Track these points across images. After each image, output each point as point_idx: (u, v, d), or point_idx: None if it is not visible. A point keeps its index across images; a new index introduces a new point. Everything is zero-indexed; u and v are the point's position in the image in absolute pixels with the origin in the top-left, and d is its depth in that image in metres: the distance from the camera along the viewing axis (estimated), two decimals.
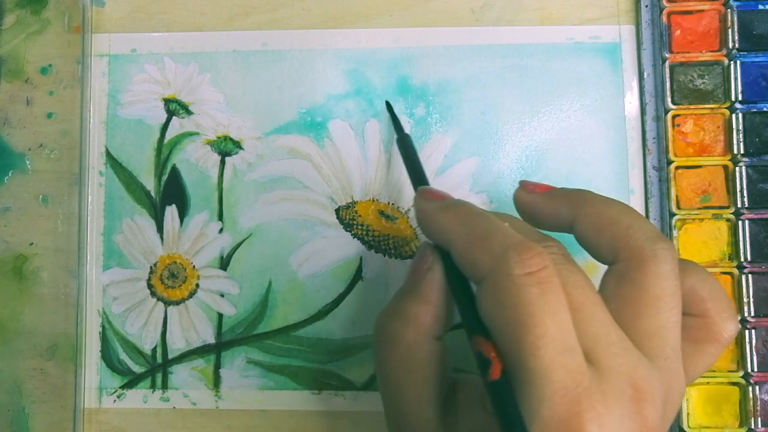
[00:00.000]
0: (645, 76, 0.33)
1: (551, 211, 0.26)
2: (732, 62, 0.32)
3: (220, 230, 0.34)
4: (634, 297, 0.23)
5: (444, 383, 0.25)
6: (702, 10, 0.32)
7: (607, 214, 0.25)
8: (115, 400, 0.33)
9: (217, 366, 0.33)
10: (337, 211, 0.33)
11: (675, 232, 0.32)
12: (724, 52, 0.32)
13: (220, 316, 0.33)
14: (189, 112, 0.34)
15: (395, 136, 0.32)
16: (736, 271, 0.31)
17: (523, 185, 0.28)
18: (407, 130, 0.33)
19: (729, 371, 0.31)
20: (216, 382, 0.33)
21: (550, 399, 0.20)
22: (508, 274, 0.21)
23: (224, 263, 0.33)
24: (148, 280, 0.34)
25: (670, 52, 0.32)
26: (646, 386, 0.21)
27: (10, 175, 0.34)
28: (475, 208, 0.25)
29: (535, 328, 0.20)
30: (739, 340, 0.31)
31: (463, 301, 0.24)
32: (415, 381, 0.25)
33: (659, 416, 0.21)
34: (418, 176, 0.29)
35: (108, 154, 0.34)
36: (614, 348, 0.22)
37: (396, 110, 0.33)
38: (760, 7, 0.32)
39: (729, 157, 0.32)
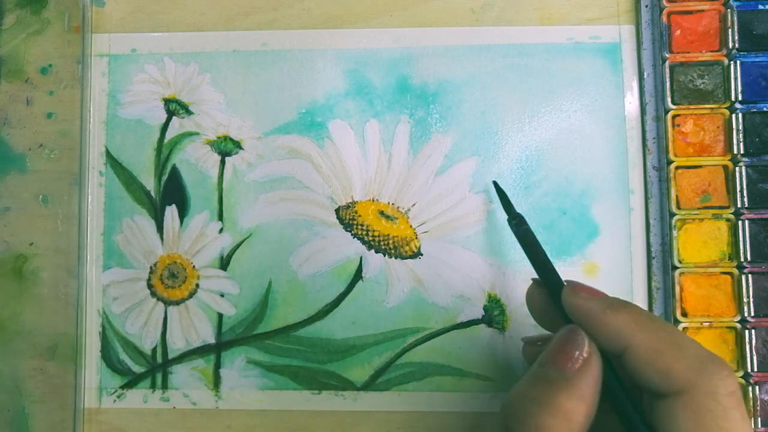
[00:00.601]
0: (645, 76, 0.33)
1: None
2: (732, 62, 0.32)
3: (220, 230, 0.34)
4: (701, 417, 0.22)
5: None
6: (702, 10, 0.32)
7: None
8: (115, 400, 0.33)
9: (217, 366, 0.33)
10: (337, 211, 0.33)
11: (675, 232, 0.32)
12: (724, 52, 0.32)
13: (220, 316, 0.33)
14: (189, 112, 0.34)
15: (511, 221, 0.30)
16: (736, 271, 0.31)
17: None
18: (407, 129, 0.33)
19: None
20: (216, 382, 0.33)
21: None
22: (713, 393, 0.21)
23: (224, 263, 0.33)
24: (148, 280, 0.34)
25: (670, 52, 0.32)
26: None
27: (10, 175, 0.34)
28: (643, 310, 0.24)
29: None
30: (739, 340, 0.31)
31: (631, 413, 0.23)
32: None
33: None
34: (545, 266, 0.28)
35: (108, 154, 0.34)
36: None
37: (405, 114, 0.33)
38: (760, 7, 0.32)
39: (729, 157, 0.32)
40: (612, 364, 0.24)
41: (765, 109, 0.32)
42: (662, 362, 0.22)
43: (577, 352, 0.24)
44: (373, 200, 0.33)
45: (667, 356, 0.22)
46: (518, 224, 0.29)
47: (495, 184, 0.32)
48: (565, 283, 0.26)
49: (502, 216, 0.33)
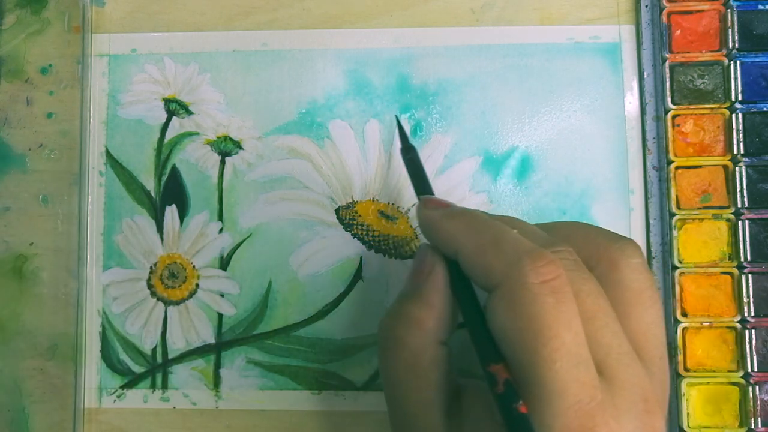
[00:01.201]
0: (645, 76, 0.33)
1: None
2: (732, 62, 0.32)
3: (220, 230, 0.34)
4: (618, 298, 0.22)
5: (449, 388, 0.25)
6: (702, 10, 0.32)
7: (563, 230, 0.25)
8: (115, 400, 0.33)
9: (217, 366, 0.33)
10: (337, 211, 0.33)
11: (675, 232, 0.32)
12: (724, 52, 0.32)
13: (220, 316, 0.33)
14: (189, 112, 0.34)
15: (400, 147, 0.31)
16: (736, 271, 0.31)
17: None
18: (407, 130, 0.33)
19: (729, 371, 0.31)
20: (216, 382, 0.33)
21: (564, 414, 0.20)
22: (522, 282, 0.21)
23: (224, 263, 0.33)
24: (148, 280, 0.34)
25: (670, 52, 0.32)
26: (652, 396, 0.21)
27: (9, 175, 0.34)
28: (484, 214, 0.24)
29: (551, 340, 0.20)
30: (739, 340, 0.31)
31: (471, 313, 0.24)
32: (420, 386, 0.24)
33: (664, 424, 0.21)
34: (422, 186, 0.29)
35: (108, 154, 0.34)
36: (625, 359, 0.21)
37: (401, 117, 0.33)
38: (760, 7, 0.32)
39: (729, 157, 0.32)
40: (460, 269, 0.24)
41: (765, 109, 0.32)
42: (483, 260, 0.23)
43: (424, 265, 0.25)
44: (373, 200, 0.33)
45: (488, 254, 0.23)
46: (405, 153, 0.30)
47: (396, 118, 0.33)
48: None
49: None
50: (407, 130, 0.33)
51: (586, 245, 0.24)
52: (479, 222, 0.24)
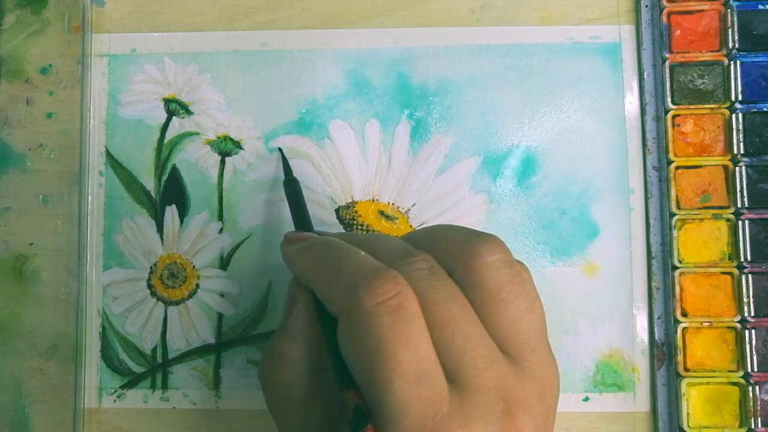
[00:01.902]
0: (645, 76, 0.33)
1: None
2: (732, 62, 0.32)
3: (220, 230, 0.34)
4: (477, 299, 0.22)
5: (332, 410, 0.24)
6: (702, 10, 0.32)
7: (425, 237, 0.24)
8: (115, 400, 0.33)
9: (217, 366, 0.33)
10: (337, 211, 0.33)
11: (675, 232, 0.32)
12: (724, 52, 0.32)
13: (220, 316, 0.33)
14: (189, 112, 0.34)
15: (283, 179, 0.32)
16: (736, 271, 0.31)
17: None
18: (407, 129, 0.33)
19: (729, 371, 0.31)
20: (216, 382, 0.33)
21: None
22: (357, 307, 0.21)
23: (224, 263, 0.33)
24: (148, 280, 0.34)
25: (670, 52, 0.32)
26: (517, 395, 0.21)
27: (9, 174, 0.34)
28: (334, 242, 0.24)
29: (387, 360, 0.20)
30: (739, 340, 0.31)
31: (329, 342, 0.23)
32: (297, 416, 0.24)
33: (537, 420, 0.21)
34: (299, 220, 0.30)
35: (108, 154, 0.34)
36: (481, 363, 0.21)
37: (404, 117, 0.33)
38: (760, 7, 0.32)
39: (729, 157, 0.32)
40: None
41: (765, 109, 0.32)
42: (327, 290, 0.23)
43: (289, 298, 0.26)
44: (373, 200, 0.33)
45: (329, 284, 0.23)
46: (288, 184, 0.31)
47: (280, 150, 0.33)
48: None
49: (502, 216, 0.33)
50: (408, 131, 0.33)
51: (445, 249, 0.23)
52: (326, 251, 0.24)
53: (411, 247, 0.23)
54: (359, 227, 0.33)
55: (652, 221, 0.32)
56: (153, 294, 0.34)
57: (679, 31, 0.32)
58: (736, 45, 0.32)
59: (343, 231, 0.33)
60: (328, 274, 0.23)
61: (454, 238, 0.23)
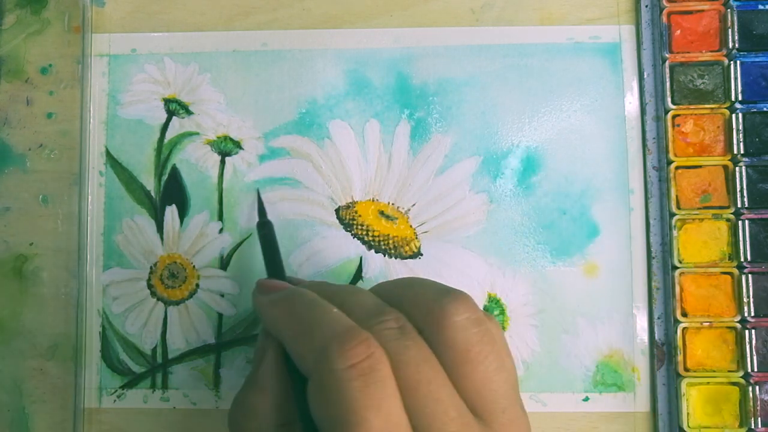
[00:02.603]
0: (645, 76, 0.33)
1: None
2: (732, 62, 0.32)
3: (220, 230, 0.34)
4: (447, 360, 0.22)
5: None
6: (702, 10, 0.32)
7: (396, 292, 0.24)
8: (115, 400, 0.33)
9: (217, 366, 0.33)
10: (337, 211, 0.33)
11: (675, 232, 0.32)
12: (724, 52, 0.32)
13: (220, 316, 0.33)
14: (189, 112, 0.34)
15: (257, 221, 0.32)
16: (736, 271, 0.31)
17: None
18: (407, 129, 0.33)
19: (729, 371, 0.31)
20: (216, 382, 0.33)
21: None
22: (329, 369, 0.21)
23: (224, 263, 0.33)
24: (148, 280, 0.34)
25: (670, 52, 0.32)
26: None
27: (9, 175, 0.34)
28: (307, 297, 0.24)
29: (358, 426, 0.20)
30: (739, 340, 0.31)
31: (299, 399, 0.23)
32: None
33: None
34: (271, 266, 0.30)
35: (108, 154, 0.34)
36: (452, 426, 0.21)
37: (405, 117, 0.33)
38: (760, 7, 0.32)
39: (729, 157, 0.32)
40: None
41: (765, 109, 0.32)
42: (297, 348, 0.23)
43: (259, 349, 0.26)
44: (373, 200, 0.33)
45: (300, 342, 0.22)
46: (261, 227, 0.31)
47: (257, 192, 0.33)
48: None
49: (502, 216, 0.33)
50: (408, 131, 0.33)
51: (415, 306, 0.23)
52: (299, 306, 0.23)
53: (382, 303, 0.23)
54: (359, 227, 0.33)
55: (652, 221, 0.32)
56: (153, 294, 0.34)
57: (679, 31, 0.32)
58: (736, 45, 0.32)
59: (343, 230, 0.33)
60: (300, 332, 0.23)
61: (424, 295, 0.23)
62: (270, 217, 0.33)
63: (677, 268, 0.31)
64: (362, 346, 0.21)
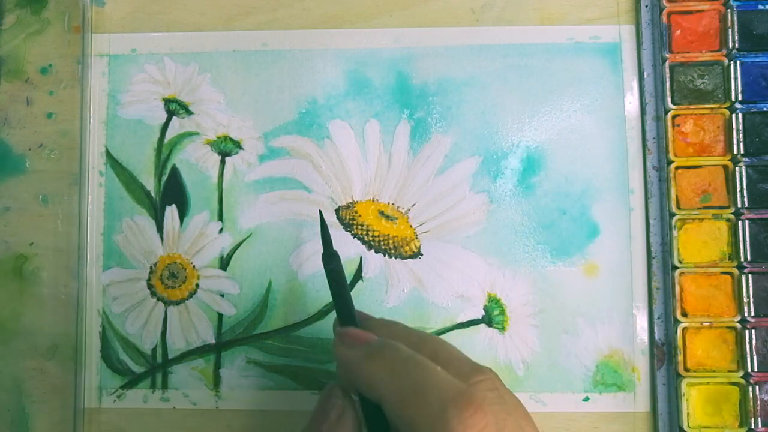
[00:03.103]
0: (645, 76, 0.33)
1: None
2: (732, 62, 0.32)
3: (220, 230, 0.34)
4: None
5: None
6: (702, 10, 0.32)
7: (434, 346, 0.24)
8: (115, 400, 0.33)
9: (217, 366, 0.33)
10: (337, 211, 0.33)
11: (675, 232, 0.32)
12: (724, 52, 0.32)
13: (220, 316, 0.33)
14: (189, 112, 0.34)
15: (322, 253, 0.28)
16: (736, 271, 0.31)
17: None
18: (407, 129, 0.33)
19: (729, 371, 0.31)
20: (216, 382, 0.33)
21: None
22: None
23: (224, 263, 0.33)
24: (148, 280, 0.34)
25: (670, 52, 0.32)
26: None
27: (9, 174, 0.34)
28: (405, 351, 0.23)
29: None
30: (739, 340, 0.31)
31: None
32: None
33: None
34: (343, 307, 0.26)
35: (108, 154, 0.34)
36: None
37: (407, 118, 0.33)
38: (760, 7, 0.32)
39: (729, 157, 0.32)
40: (378, 412, 0.23)
41: (765, 109, 0.32)
42: (407, 411, 0.22)
43: (332, 411, 0.24)
44: (373, 200, 0.33)
45: (411, 405, 0.21)
46: (328, 262, 0.27)
47: (320, 214, 0.29)
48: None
49: (502, 216, 0.33)
50: (408, 131, 0.33)
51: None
52: (401, 362, 0.22)
53: (472, 360, 0.23)
54: (359, 227, 0.33)
55: (652, 221, 0.32)
56: (153, 294, 0.34)
57: (679, 31, 0.32)
58: (736, 45, 0.32)
59: (343, 230, 0.33)
60: (408, 392, 0.22)
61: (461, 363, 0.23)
62: (270, 217, 0.33)
63: (677, 268, 0.31)
64: (480, 414, 0.21)
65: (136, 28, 0.35)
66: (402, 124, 0.33)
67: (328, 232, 0.28)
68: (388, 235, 0.33)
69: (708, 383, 0.31)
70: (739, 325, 0.31)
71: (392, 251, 0.33)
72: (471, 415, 0.20)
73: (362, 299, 0.33)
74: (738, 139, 0.31)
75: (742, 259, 0.31)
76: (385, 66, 0.34)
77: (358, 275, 0.33)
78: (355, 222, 0.33)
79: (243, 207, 0.34)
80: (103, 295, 0.34)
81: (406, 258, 0.33)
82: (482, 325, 0.33)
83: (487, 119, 0.33)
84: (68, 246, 0.33)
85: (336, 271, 0.27)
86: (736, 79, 0.32)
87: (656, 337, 0.32)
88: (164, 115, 0.34)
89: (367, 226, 0.33)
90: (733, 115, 0.32)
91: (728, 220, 0.31)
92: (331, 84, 0.34)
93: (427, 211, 0.33)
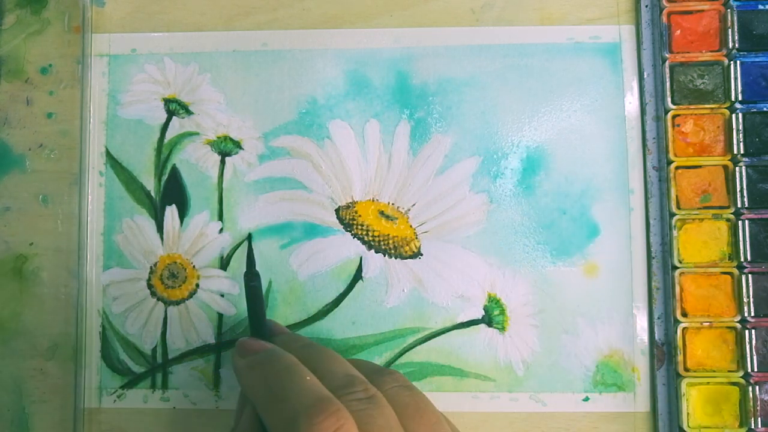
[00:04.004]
0: (645, 76, 0.33)
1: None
2: (732, 62, 0.32)
3: (220, 230, 0.34)
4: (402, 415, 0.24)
5: None
6: (702, 10, 0.32)
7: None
8: (115, 400, 0.33)
9: (217, 366, 0.33)
10: (337, 211, 0.33)
11: (675, 232, 0.32)
12: (724, 52, 0.32)
13: (220, 316, 0.33)
14: (189, 112, 0.34)
15: (244, 271, 0.30)
16: (736, 271, 0.31)
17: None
18: (407, 129, 0.33)
19: (729, 371, 0.31)
20: (216, 382, 0.33)
21: None
22: None
23: (224, 263, 0.33)
24: (148, 280, 0.34)
25: (670, 52, 0.32)
26: None
27: (9, 175, 0.34)
28: (283, 362, 0.24)
29: None
30: (739, 340, 0.31)
31: None
32: None
33: None
34: (256, 322, 0.29)
35: (108, 154, 0.34)
36: None
37: (387, 119, 0.33)
38: (760, 7, 0.32)
39: (729, 157, 0.32)
40: None
41: (765, 109, 0.32)
42: (269, 416, 0.23)
43: (238, 407, 0.26)
44: (373, 200, 0.33)
45: (271, 410, 0.23)
46: (249, 279, 0.29)
47: (249, 235, 0.33)
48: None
49: (502, 216, 0.33)
50: (408, 131, 0.33)
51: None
52: (274, 373, 0.24)
53: (354, 373, 0.24)
54: (359, 227, 0.33)
55: (652, 221, 0.32)
56: (153, 294, 0.34)
57: (679, 31, 0.32)
58: (736, 45, 0.32)
59: (343, 230, 0.33)
60: (272, 400, 0.23)
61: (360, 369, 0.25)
62: (270, 217, 0.33)
63: (677, 268, 0.31)
64: (332, 419, 0.21)
65: (136, 28, 0.35)
66: (402, 124, 0.34)
67: (253, 254, 0.30)
68: (388, 235, 0.33)
69: (708, 383, 0.31)
70: (739, 325, 0.31)
71: (392, 251, 0.33)
72: (321, 421, 0.21)
73: (362, 299, 0.33)
74: (738, 139, 0.31)
75: (742, 259, 0.31)
76: (385, 66, 0.34)
77: (358, 275, 0.33)
78: (355, 222, 0.33)
79: (243, 207, 0.34)
80: (103, 295, 0.34)
81: (406, 258, 0.33)
82: (482, 325, 0.33)
83: (487, 119, 0.33)
84: (68, 246, 0.33)
85: (257, 287, 0.29)
86: (736, 79, 0.32)
87: (656, 337, 0.32)
88: (164, 115, 0.34)
89: (367, 226, 0.33)
90: (733, 115, 0.32)
91: (728, 220, 0.31)
92: (331, 84, 0.34)
93: (427, 211, 0.33)
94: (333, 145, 0.34)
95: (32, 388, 0.33)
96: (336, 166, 0.34)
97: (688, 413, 0.31)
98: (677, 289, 0.31)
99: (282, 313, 0.33)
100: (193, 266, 0.34)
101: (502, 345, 0.33)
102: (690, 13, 0.32)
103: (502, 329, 0.33)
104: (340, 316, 0.33)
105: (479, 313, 0.33)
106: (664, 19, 0.32)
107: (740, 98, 0.32)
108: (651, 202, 0.33)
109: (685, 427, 0.31)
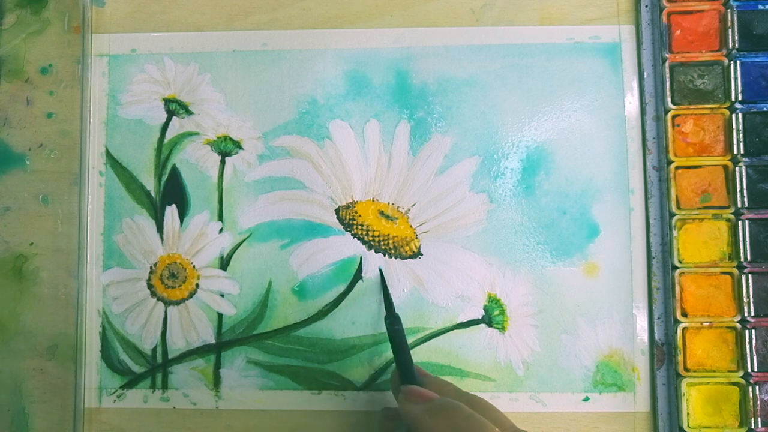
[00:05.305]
0: (645, 76, 0.33)
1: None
2: (732, 62, 0.32)
3: (220, 230, 0.34)
4: None
5: None
6: (702, 10, 0.32)
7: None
8: (115, 400, 0.33)
9: (217, 366, 0.33)
10: (337, 211, 0.33)
11: (675, 232, 0.32)
12: (724, 52, 0.32)
13: (220, 316, 0.33)
14: (189, 112, 0.34)
15: (384, 316, 0.31)
16: (736, 271, 0.31)
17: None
18: (407, 129, 0.33)
19: (729, 371, 0.31)
20: (216, 382, 0.33)
21: None
22: None
23: (224, 263, 0.33)
24: (148, 280, 0.34)
25: (670, 52, 0.32)
26: None
27: (10, 175, 0.34)
28: (465, 410, 0.25)
29: None
30: (739, 340, 0.31)
31: None
32: None
33: None
34: (406, 368, 0.29)
35: (108, 154, 0.34)
36: None
37: (391, 116, 0.33)
38: (760, 7, 0.32)
39: (729, 157, 0.32)
40: None
41: (765, 109, 0.32)
42: None
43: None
44: (373, 200, 0.33)
45: None
46: (392, 323, 0.30)
47: (381, 273, 0.33)
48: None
49: (502, 216, 0.33)
50: (408, 131, 0.33)
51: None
52: (462, 420, 0.25)
53: (516, 427, 0.26)
54: (359, 227, 0.33)
55: (652, 221, 0.32)
56: (153, 294, 0.34)
57: (679, 31, 0.32)
58: (736, 45, 0.32)
59: (343, 230, 0.33)
60: None
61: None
62: (270, 217, 0.33)
63: (677, 268, 0.31)
64: None
65: (136, 28, 0.35)
66: (402, 124, 0.34)
67: (390, 296, 0.31)
68: (388, 235, 0.33)
69: (708, 383, 0.31)
70: (739, 325, 0.31)
71: (392, 251, 0.33)
72: None
73: (362, 299, 0.33)
74: (738, 139, 0.31)
75: (742, 259, 0.31)
76: (385, 66, 0.34)
77: (358, 275, 0.33)
78: (355, 222, 0.33)
79: (243, 207, 0.34)
80: (103, 295, 0.34)
81: (406, 258, 0.33)
82: (482, 325, 0.33)
83: (487, 119, 0.33)
84: (68, 246, 0.33)
85: (400, 331, 0.30)
86: (736, 79, 0.32)
87: (656, 337, 0.32)
88: (164, 115, 0.34)
89: (367, 226, 0.33)
90: (733, 115, 0.32)
91: (728, 220, 0.31)
92: (331, 84, 0.34)
93: (427, 211, 0.33)
94: (333, 145, 0.34)
95: (32, 388, 0.33)
96: (336, 166, 0.34)
97: (688, 413, 0.31)
98: (677, 289, 0.31)
99: (282, 313, 0.33)
100: (193, 266, 0.34)
101: (502, 345, 0.33)
102: (690, 13, 0.32)
103: (502, 329, 0.33)
104: (340, 316, 0.33)
105: (479, 313, 0.33)
106: (664, 19, 0.32)
107: (740, 98, 0.32)
108: (651, 202, 0.33)
109: (685, 427, 0.31)
